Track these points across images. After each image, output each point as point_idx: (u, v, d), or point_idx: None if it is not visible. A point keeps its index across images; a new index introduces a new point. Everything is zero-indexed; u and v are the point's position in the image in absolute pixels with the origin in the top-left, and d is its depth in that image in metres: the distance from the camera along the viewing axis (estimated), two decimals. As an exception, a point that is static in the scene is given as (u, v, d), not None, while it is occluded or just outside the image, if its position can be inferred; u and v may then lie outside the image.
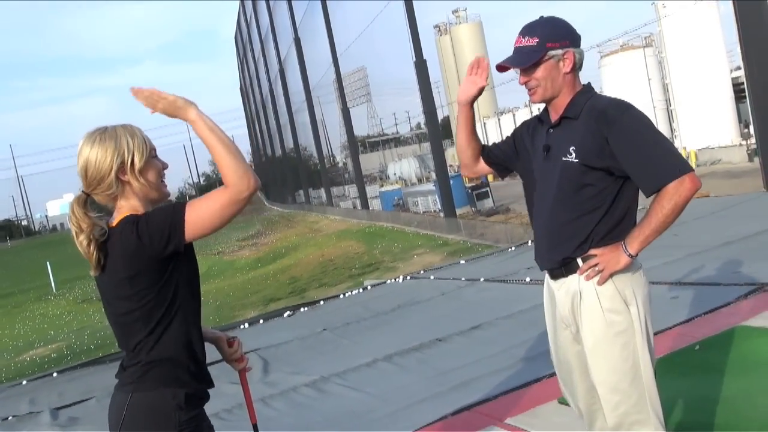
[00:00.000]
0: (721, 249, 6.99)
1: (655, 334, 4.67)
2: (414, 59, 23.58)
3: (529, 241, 10.21)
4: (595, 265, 2.37)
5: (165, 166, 2.18)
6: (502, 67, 2.48)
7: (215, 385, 2.19)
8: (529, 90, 2.46)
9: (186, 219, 1.95)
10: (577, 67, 2.43)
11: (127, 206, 2.09)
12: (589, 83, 2.50)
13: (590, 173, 2.35)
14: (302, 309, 8.69)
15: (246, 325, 8.32)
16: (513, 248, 10.26)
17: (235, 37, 65.40)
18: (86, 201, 2.09)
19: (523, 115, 43.68)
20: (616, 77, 31.56)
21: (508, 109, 47.36)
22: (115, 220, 2.07)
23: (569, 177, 2.38)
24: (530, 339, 5.18)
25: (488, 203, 25.96)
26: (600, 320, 2.38)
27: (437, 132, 24.84)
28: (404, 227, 25.90)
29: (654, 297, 5.73)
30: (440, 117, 42.57)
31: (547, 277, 2.62)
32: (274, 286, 23.49)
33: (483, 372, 4.76)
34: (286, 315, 8.43)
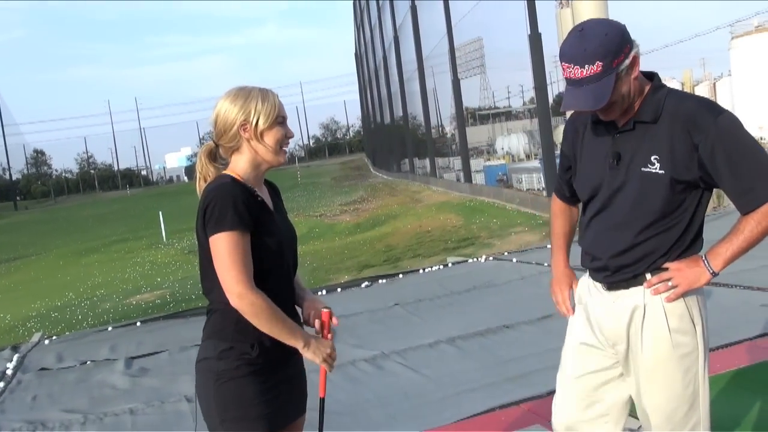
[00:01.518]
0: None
1: (734, 344, 4.39)
2: (528, 32, 22.98)
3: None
4: (668, 279, 2.14)
5: (290, 135, 2.29)
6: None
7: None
8: (602, 112, 2.13)
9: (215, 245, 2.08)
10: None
11: (235, 163, 2.24)
12: (656, 74, 2.18)
13: (676, 186, 2.10)
14: (380, 281, 8.69)
15: (324, 292, 8.41)
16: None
17: (354, 3, 65.73)
18: (212, 150, 2.29)
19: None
20: (747, 61, 29.60)
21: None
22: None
23: (652, 191, 2.11)
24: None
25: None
26: (665, 340, 2.16)
27: (546, 109, 24.13)
28: (505, 204, 25.50)
29: (740, 303, 5.37)
30: (554, 93, 41.44)
31: (588, 286, 2.36)
32: (369, 252, 23.71)
33: (543, 365, 4.58)
34: (363, 286, 8.46)
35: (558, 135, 34.96)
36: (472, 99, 64.03)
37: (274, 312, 2.09)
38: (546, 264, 8.05)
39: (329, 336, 2.29)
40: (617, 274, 2.23)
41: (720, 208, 9.92)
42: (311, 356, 2.19)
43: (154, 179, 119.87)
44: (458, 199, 28.53)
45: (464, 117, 35.56)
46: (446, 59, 36.03)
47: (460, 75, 33.29)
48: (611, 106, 2.07)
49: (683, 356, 2.16)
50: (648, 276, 2.18)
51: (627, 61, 2.02)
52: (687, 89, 42.56)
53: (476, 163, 36.93)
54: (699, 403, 2.19)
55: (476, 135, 50.00)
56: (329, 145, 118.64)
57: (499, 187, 30.25)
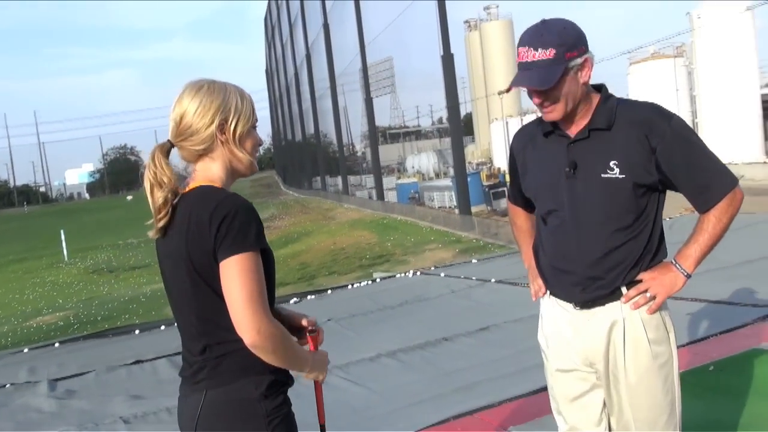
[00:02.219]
0: (740, 267, 6.81)
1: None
2: (441, 52, 23.40)
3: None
4: (645, 290, 2.14)
5: (260, 142, 2.01)
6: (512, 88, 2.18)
7: None
8: (546, 108, 2.12)
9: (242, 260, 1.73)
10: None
11: (207, 172, 1.90)
12: (604, 85, 2.21)
13: (637, 190, 2.11)
14: (309, 297, 8.61)
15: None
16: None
17: (265, 19, 65.35)
18: (170, 152, 1.92)
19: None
20: (643, 85, 31.25)
21: (532, 110, 47.03)
22: (190, 185, 1.89)
23: (613, 195, 2.11)
24: (537, 345, 5.06)
25: (504, 203, 25.81)
26: (646, 353, 2.15)
27: (459, 128, 24.63)
28: (418, 221, 25.79)
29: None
30: (463, 113, 42.32)
31: (553, 307, 2.31)
32: (283, 270, 23.42)
33: (488, 376, 4.66)
34: (292, 302, 8.34)
35: (468, 154, 35.67)
36: (382, 118, 64.66)
37: (289, 341, 1.82)
38: (474, 278, 8.19)
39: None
40: (591, 289, 2.18)
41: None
42: (314, 377, 1.98)
43: (54, 196, 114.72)
44: (371, 216, 28.67)
45: (376, 135, 35.84)
46: (357, 77, 36.30)
47: (371, 94, 33.54)
48: (556, 101, 2.08)
49: (662, 366, 2.17)
50: (624, 290, 2.16)
51: (579, 60, 2.05)
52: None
53: (388, 181, 37.23)
54: (676, 408, 2.21)
55: (387, 153, 50.45)
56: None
57: (412, 205, 30.59)
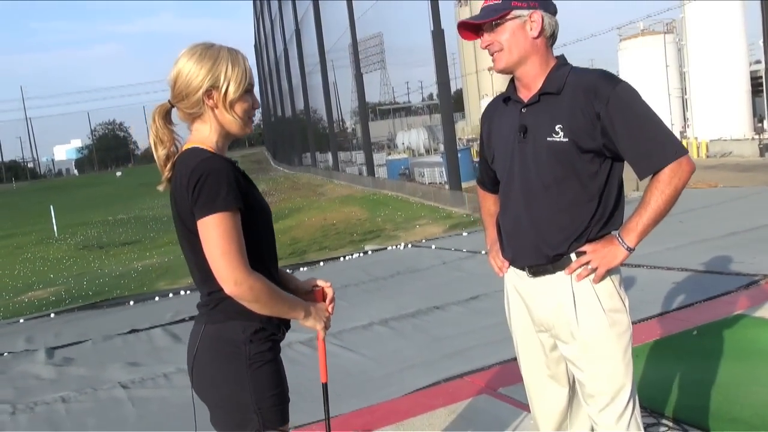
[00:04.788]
0: (726, 239, 6.95)
1: (654, 317, 4.71)
2: (431, 28, 23.33)
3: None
4: (587, 262, 2.16)
5: (257, 105, 2.07)
6: (467, 35, 2.24)
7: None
8: (492, 55, 2.19)
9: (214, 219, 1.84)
10: (548, 34, 2.17)
11: (199, 133, 2.01)
12: (563, 55, 2.26)
13: (582, 155, 2.12)
14: (301, 269, 8.70)
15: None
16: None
17: (253, -7, 64.76)
18: (169, 112, 2.03)
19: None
20: (634, 62, 31.26)
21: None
22: (185, 145, 2.01)
23: (559, 159, 2.13)
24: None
25: (495, 178, 25.88)
26: (602, 321, 2.18)
27: (449, 104, 24.64)
28: (408, 197, 25.87)
29: (654, 281, 5.74)
30: (453, 89, 42.24)
31: (513, 277, 2.36)
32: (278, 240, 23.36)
33: (477, 342, 4.77)
34: (285, 273, 8.44)
35: (459, 130, 35.64)
36: (372, 94, 64.53)
37: (274, 291, 1.93)
38: (465, 250, 8.31)
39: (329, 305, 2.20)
40: (538, 255, 2.22)
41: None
42: (312, 324, 2.08)
43: (42, 172, 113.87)
44: (362, 192, 28.72)
45: (367, 111, 35.77)
46: (346, 54, 36.12)
47: (361, 70, 33.41)
48: (500, 48, 2.15)
49: (621, 334, 2.19)
50: (573, 257, 2.18)
51: (526, 12, 2.12)
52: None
53: (378, 158, 37.21)
54: (631, 373, 2.23)
55: (377, 130, 50.38)
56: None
57: (402, 181, 30.62)
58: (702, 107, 27.53)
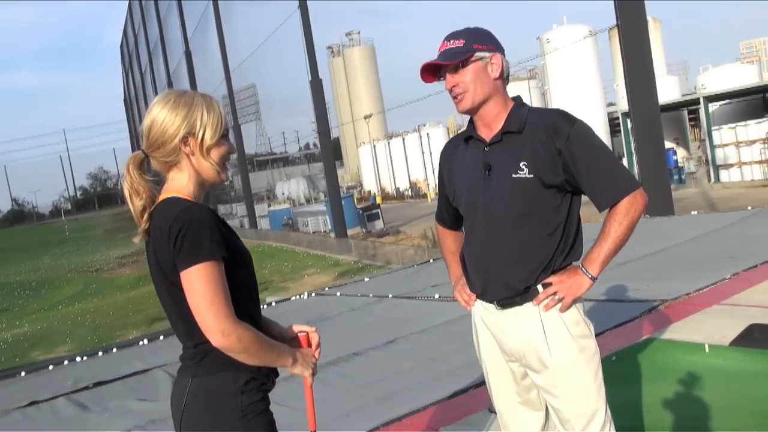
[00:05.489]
0: (618, 269, 7.34)
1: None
2: (309, 78, 23.60)
3: (430, 261, 10.38)
4: (553, 293, 2.25)
5: (232, 151, 2.07)
6: (427, 77, 2.33)
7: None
8: (456, 97, 2.29)
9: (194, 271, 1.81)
10: (505, 75, 2.31)
11: (176, 182, 1.98)
12: (519, 96, 2.41)
13: (545, 190, 2.24)
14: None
15: (145, 341, 7.96)
16: (416, 265, 10.41)
17: (121, 46, 63.16)
18: (143, 162, 2.00)
19: (412, 140, 44.59)
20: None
21: (397, 133, 48.23)
22: (162, 195, 1.98)
23: (523, 195, 2.23)
24: (448, 352, 5.26)
25: (379, 224, 26.27)
26: (572, 348, 2.26)
27: (330, 152, 24.94)
28: (294, 247, 25.73)
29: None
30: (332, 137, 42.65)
31: (481, 310, 2.43)
32: (157, 304, 22.46)
33: (406, 385, 4.78)
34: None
35: (339, 178, 36.00)
36: (248, 146, 64.01)
37: (262, 339, 1.91)
38: (371, 295, 8.34)
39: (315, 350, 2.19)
40: (506, 289, 2.30)
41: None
42: (300, 371, 2.07)
43: None
44: (245, 245, 28.30)
45: (246, 162, 35.45)
46: (222, 105, 35.89)
47: (238, 121, 33.25)
48: (465, 89, 2.25)
49: (590, 358, 2.28)
50: (540, 288, 2.27)
51: (487, 54, 2.25)
52: (451, 133, 46.08)
53: (259, 209, 36.88)
54: (604, 395, 2.32)
55: (256, 181, 49.95)
56: (99, 196, 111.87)
57: (286, 231, 30.45)
58: (567, 148, 29.27)
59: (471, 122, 2.40)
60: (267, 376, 2.01)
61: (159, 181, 2.03)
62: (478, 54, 2.25)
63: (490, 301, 2.38)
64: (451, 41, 2.27)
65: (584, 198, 2.35)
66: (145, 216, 1.95)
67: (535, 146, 2.23)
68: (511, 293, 2.31)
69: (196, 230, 1.83)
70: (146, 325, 19.13)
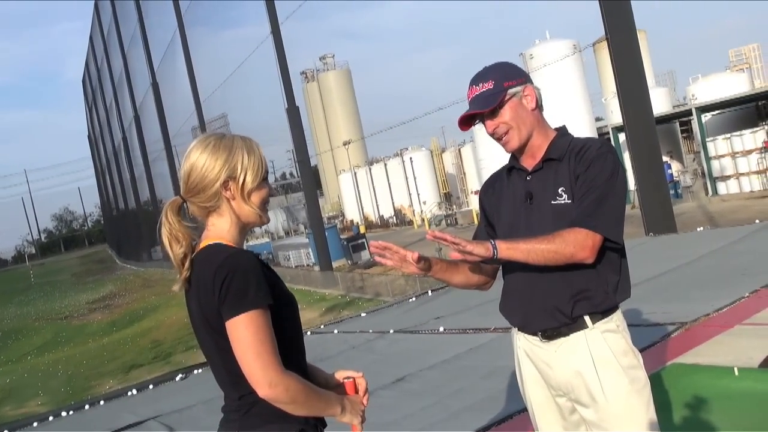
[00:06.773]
0: (634, 289, 7.39)
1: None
2: (286, 105, 23.63)
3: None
4: (453, 240, 2.09)
5: (273, 193, 2.11)
6: (466, 124, 2.38)
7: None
8: (501, 138, 2.35)
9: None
10: (540, 104, 2.38)
11: (217, 228, 2.00)
12: (564, 126, 2.49)
13: None
14: (195, 371, 8.32)
15: (134, 391, 7.85)
16: (414, 299, 10.38)
17: (83, 81, 63.07)
18: (181, 208, 2.03)
19: (395, 165, 44.78)
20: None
21: (378, 159, 48.47)
22: (203, 242, 1.99)
23: (564, 221, 2.25)
24: (462, 389, 5.23)
25: (365, 255, 26.19)
26: (623, 379, 2.28)
27: (312, 182, 24.92)
28: (278, 283, 25.51)
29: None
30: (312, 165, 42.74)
31: (524, 343, 2.45)
32: (134, 351, 22.40)
33: (422, 425, 4.75)
34: (178, 378, 8.04)
35: (321, 209, 35.95)
36: (222, 178, 64.10)
37: (310, 389, 1.91)
38: (371, 331, 8.30)
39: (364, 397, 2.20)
40: (552, 318, 2.32)
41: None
42: (349, 419, 2.06)
43: None
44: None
45: (221, 196, 35.37)
46: (191, 138, 35.82)
47: (211, 153, 33.19)
48: (508, 129, 2.31)
49: (640, 390, 2.31)
50: (587, 319, 2.28)
51: (519, 88, 2.32)
52: (435, 156, 46.41)
53: (237, 244, 36.70)
54: (657, 428, 2.34)
55: (232, 215, 49.91)
56: (65, 238, 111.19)
57: (267, 267, 30.20)
58: (557, 166, 29.52)
59: (513, 155, 2.46)
60: (315, 427, 2.00)
61: (197, 227, 2.04)
62: (511, 91, 2.31)
63: (534, 333, 2.40)
64: (480, 85, 2.33)
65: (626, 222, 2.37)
66: (186, 264, 1.96)
67: (570, 172, 2.30)
68: (557, 323, 2.33)
69: (241, 278, 1.84)
70: (123, 373, 18.89)
